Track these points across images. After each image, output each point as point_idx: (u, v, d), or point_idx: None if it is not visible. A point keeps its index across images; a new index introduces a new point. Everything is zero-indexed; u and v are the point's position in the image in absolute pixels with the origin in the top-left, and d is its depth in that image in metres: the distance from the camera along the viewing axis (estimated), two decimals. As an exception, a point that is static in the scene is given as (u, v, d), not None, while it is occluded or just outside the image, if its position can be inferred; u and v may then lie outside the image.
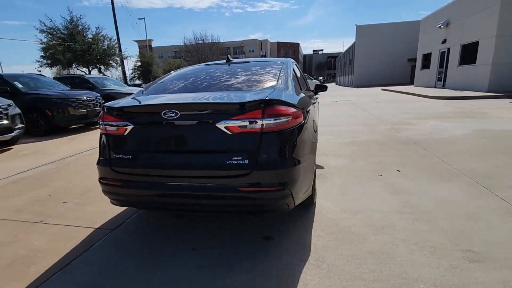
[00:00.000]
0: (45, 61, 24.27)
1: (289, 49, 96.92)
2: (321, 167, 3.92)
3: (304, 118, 2.18)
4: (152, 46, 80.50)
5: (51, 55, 23.60)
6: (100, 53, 24.86)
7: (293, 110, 2.02)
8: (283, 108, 1.96)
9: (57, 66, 25.86)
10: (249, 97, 1.97)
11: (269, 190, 1.91)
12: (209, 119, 1.93)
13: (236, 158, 1.90)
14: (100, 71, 27.86)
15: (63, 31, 23.89)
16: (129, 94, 9.45)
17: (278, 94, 2.08)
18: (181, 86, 2.58)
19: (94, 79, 10.97)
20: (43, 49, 23.79)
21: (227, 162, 1.91)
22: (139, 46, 70.84)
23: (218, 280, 1.82)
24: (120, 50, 26.64)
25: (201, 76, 2.77)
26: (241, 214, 2.39)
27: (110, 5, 25.52)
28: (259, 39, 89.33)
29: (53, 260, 2.10)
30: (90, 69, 26.25)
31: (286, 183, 1.92)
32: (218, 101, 2.03)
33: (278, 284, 1.77)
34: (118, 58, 26.81)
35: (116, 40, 26.03)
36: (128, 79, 37.17)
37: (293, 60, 3.28)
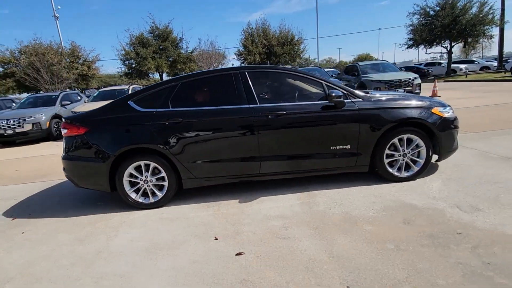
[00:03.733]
0: (410, 42, 25.86)
1: None
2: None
3: (84, 132, 2.98)
4: None
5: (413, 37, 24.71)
6: (467, 24, 21.68)
7: (69, 125, 3.05)
8: (63, 123, 3.10)
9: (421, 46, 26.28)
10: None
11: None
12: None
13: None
14: (465, 45, 24.61)
15: (435, 9, 23.54)
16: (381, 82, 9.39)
17: (75, 114, 3.13)
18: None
19: (371, 66, 11.53)
20: (411, 31, 25.40)
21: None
22: None
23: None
24: (502, 16, 21.26)
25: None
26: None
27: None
28: None
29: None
30: (453, 45, 24.03)
31: (64, 169, 3.19)
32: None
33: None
34: (491, 27, 21.74)
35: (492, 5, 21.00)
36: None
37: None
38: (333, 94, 2.90)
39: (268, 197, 3.15)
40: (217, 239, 2.38)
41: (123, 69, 22.49)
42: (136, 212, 3.07)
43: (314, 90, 3.20)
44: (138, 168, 3.05)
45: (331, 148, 3.09)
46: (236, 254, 2.14)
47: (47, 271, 2.17)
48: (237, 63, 23.41)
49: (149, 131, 2.97)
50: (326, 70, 18.03)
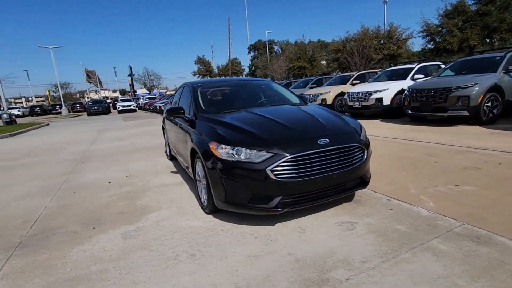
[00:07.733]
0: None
1: None
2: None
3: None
4: None
5: None
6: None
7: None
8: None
9: None
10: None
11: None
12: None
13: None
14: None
15: None
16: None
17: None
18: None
19: None
20: None
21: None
22: None
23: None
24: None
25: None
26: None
27: None
28: None
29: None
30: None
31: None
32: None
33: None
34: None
35: None
36: None
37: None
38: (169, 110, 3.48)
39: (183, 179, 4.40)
40: (127, 177, 4.56)
41: (424, 45, 20.58)
42: (169, 162, 5.73)
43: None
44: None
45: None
46: (109, 182, 4.31)
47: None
48: None
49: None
50: None
